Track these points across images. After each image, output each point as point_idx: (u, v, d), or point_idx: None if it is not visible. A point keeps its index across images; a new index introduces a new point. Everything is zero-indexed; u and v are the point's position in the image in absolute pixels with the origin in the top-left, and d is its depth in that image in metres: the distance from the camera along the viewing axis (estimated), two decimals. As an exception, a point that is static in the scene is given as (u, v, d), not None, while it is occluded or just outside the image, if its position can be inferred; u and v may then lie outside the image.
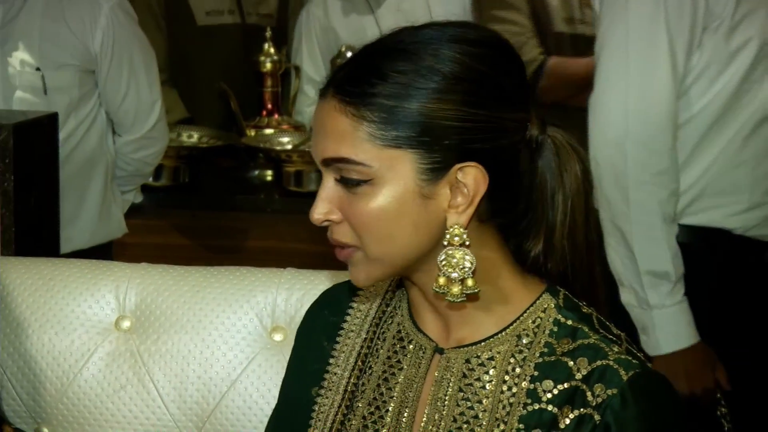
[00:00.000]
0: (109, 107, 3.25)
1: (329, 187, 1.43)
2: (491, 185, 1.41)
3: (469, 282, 1.41)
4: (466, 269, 1.41)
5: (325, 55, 4.09)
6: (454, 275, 1.41)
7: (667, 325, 2.48)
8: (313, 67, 4.14)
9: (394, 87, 1.39)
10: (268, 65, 4.08)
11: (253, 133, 4.05)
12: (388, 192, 1.40)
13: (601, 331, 1.46)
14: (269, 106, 4.12)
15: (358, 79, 1.41)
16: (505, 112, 1.42)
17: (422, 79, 1.39)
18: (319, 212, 1.43)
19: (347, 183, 1.41)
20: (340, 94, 1.41)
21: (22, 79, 3.08)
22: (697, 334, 2.49)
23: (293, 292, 1.94)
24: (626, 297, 2.49)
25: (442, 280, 1.41)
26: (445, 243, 1.41)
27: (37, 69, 3.10)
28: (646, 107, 2.45)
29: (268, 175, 4.03)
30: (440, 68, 1.39)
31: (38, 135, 2.26)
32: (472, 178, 1.40)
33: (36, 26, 3.12)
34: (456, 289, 1.41)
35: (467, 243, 1.41)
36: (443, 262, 1.41)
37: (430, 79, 1.39)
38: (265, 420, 1.89)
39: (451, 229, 1.41)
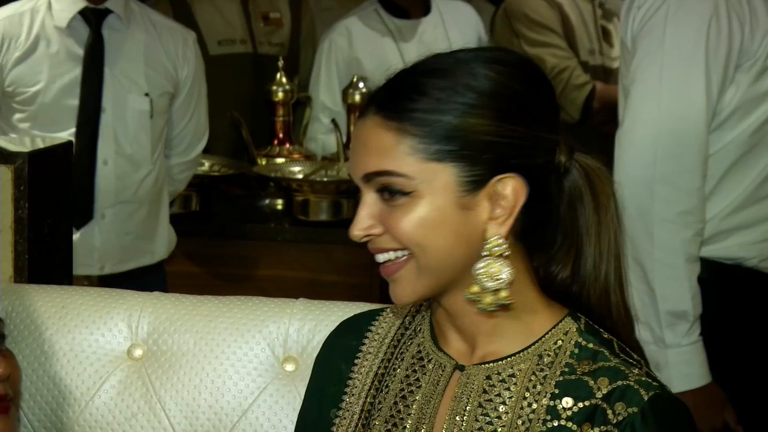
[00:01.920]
0: (173, 130, 3.43)
1: (370, 203, 1.47)
2: (527, 201, 1.45)
3: (503, 293, 1.44)
4: (503, 280, 1.44)
5: (344, 84, 4.11)
6: (490, 284, 1.43)
7: (680, 364, 2.48)
8: (329, 97, 4.15)
9: (433, 102, 1.43)
10: (280, 95, 4.09)
11: (264, 162, 4.07)
12: (429, 203, 1.43)
13: (622, 355, 1.48)
14: (281, 135, 4.13)
15: (398, 96, 1.46)
16: (539, 130, 1.46)
17: (459, 95, 1.43)
18: (360, 228, 1.46)
19: (389, 195, 1.45)
20: (383, 110, 1.45)
21: (132, 104, 3.19)
22: (710, 375, 2.49)
23: (305, 323, 1.94)
24: (643, 334, 2.48)
25: (475, 288, 1.44)
26: (485, 253, 1.44)
27: (146, 95, 3.25)
28: (676, 145, 2.44)
29: (279, 204, 4.04)
30: (476, 85, 1.44)
31: (53, 163, 2.27)
32: (511, 188, 1.44)
33: (141, 53, 3.29)
34: (489, 299, 1.44)
35: (506, 254, 1.44)
36: (481, 271, 1.43)
37: (466, 95, 1.43)
38: (276, 450, 1.90)
39: (492, 240, 1.44)
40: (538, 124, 1.46)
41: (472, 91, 1.44)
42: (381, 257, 1.48)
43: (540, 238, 1.51)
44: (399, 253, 1.46)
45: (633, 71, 2.54)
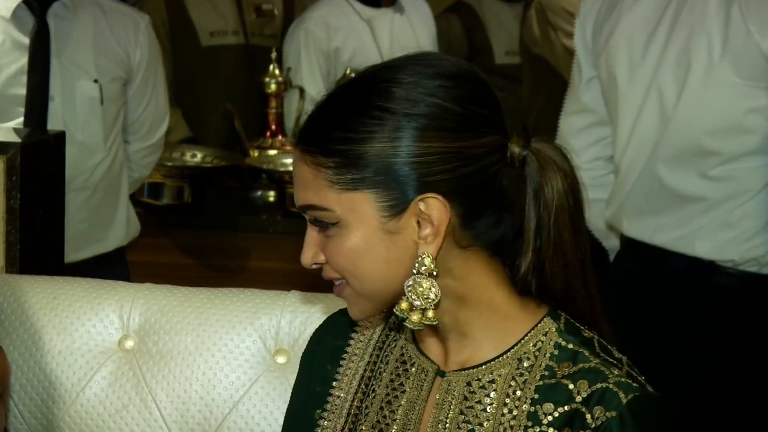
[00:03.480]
0: (131, 115, 3.38)
1: (312, 233, 1.47)
2: (462, 212, 1.43)
3: (430, 314, 1.43)
4: (430, 300, 1.43)
5: (324, 74, 4.12)
6: (417, 303, 1.43)
7: None
8: (314, 87, 4.15)
9: (344, 131, 1.42)
10: (273, 86, 4.09)
11: (256, 153, 4.06)
12: (355, 232, 1.43)
13: (602, 354, 1.46)
14: (273, 126, 4.12)
15: (313, 128, 1.45)
16: (466, 140, 1.42)
17: (372, 121, 1.41)
18: (307, 256, 1.48)
19: (320, 227, 1.45)
20: (301, 143, 1.45)
21: (81, 91, 3.17)
22: None
23: (297, 315, 1.94)
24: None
25: (404, 305, 1.43)
26: (415, 271, 1.43)
27: (95, 81, 3.21)
28: None
29: (271, 195, 4.04)
30: (390, 107, 1.41)
31: (45, 153, 2.27)
32: (434, 208, 1.42)
33: (89, 39, 3.24)
34: (416, 317, 1.43)
35: (435, 273, 1.43)
36: (409, 289, 1.43)
37: (380, 119, 1.41)
38: (267, 442, 1.90)
39: (420, 259, 1.42)
40: (463, 134, 1.42)
41: (386, 113, 1.41)
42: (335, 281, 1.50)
43: (498, 237, 1.47)
44: (341, 280, 1.48)
45: None
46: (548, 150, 1.47)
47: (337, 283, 1.49)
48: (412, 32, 4.20)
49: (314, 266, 1.48)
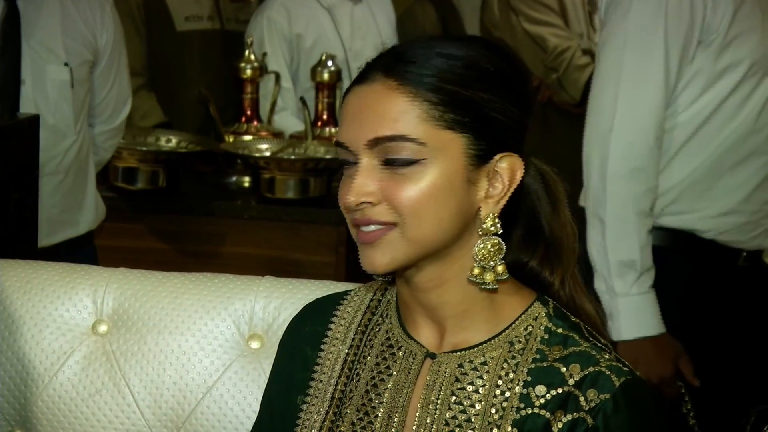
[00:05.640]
0: (95, 98, 3.38)
1: (369, 170, 1.44)
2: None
3: (500, 268, 1.46)
4: (500, 256, 1.46)
5: (288, 60, 4.13)
6: (491, 263, 1.45)
7: (630, 312, 2.58)
8: (280, 74, 4.16)
9: (446, 73, 1.44)
10: (249, 72, 4.07)
11: (231, 139, 4.05)
12: (439, 172, 1.43)
13: (591, 339, 1.50)
14: (248, 112, 4.11)
15: (411, 63, 1.44)
16: (528, 117, 1.49)
17: (471, 70, 1.45)
18: (358, 193, 1.43)
19: (396, 163, 1.43)
20: (395, 75, 1.44)
21: (52, 74, 3.16)
22: (662, 326, 2.58)
23: (271, 300, 1.94)
24: (598, 284, 2.60)
25: (477, 271, 1.45)
26: (481, 232, 1.45)
27: (66, 64, 3.20)
28: (633, 108, 2.56)
29: (246, 181, 4.03)
30: (485, 64, 1.46)
31: (19, 137, 2.26)
32: (509, 167, 1.46)
33: (58, 22, 3.23)
34: (489, 276, 1.46)
35: (501, 231, 1.46)
36: (480, 250, 1.45)
37: (491, 75, 1.45)
38: (241, 427, 1.90)
39: (488, 218, 1.45)
40: (527, 111, 1.49)
41: (482, 68, 1.45)
42: (367, 228, 1.45)
43: (508, 225, 1.51)
44: (387, 226, 1.44)
45: (601, 41, 2.67)
46: (544, 166, 1.56)
47: (375, 227, 1.44)
48: (372, 20, 4.23)
49: (358, 207, 1.44)
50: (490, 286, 1.46)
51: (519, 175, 1.46)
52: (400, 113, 1.42)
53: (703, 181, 2.63)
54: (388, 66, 1.45)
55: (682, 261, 2.66)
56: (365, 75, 1.47)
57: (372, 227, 1.45)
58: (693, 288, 2.68)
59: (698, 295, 2.68)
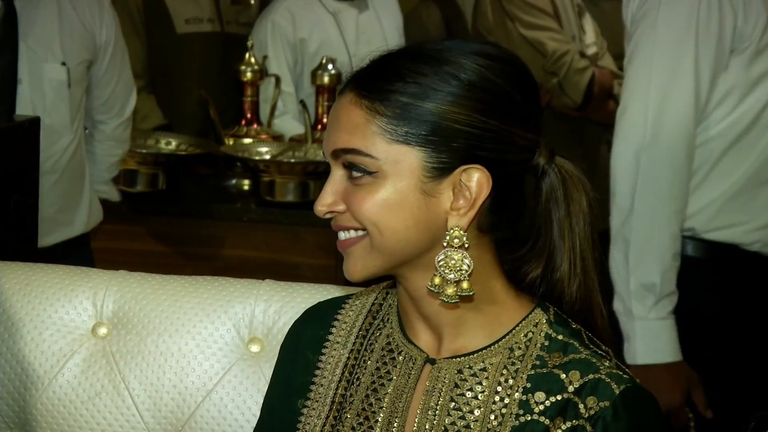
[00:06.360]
0: (101, 95, 3.41)
1: (336, 180, 1.48)
2: (494, 195, 1.46)
3: (464, 284, 1.44)
4: (463, 271, 1.44)
5: (292, 64, 4.13)
6: (451, 276, 1.44)
7: (646, 337, 2.53)
8: (282, 78, 4.16)
9: (411, 86, 1.44)
10: (249, 75, 4.08)
11: (231, 141, 4.05)
12: (392, 185, 1.44)
13: (591, 346, 1.49)
14: (248, 115, 4.12)
15: (376, 76, 1.46)
16: (516, 128, 1.46)
17: (440, 82, 1.44)
18: (324, 203, 1.48)
19: (353, 174, 1.46)
20: (358, 88, 1.46)
21: (49, 74, 3.17)
22: (678, 354, 2.54)
23: (271, 304, 1.94)
24: (616, 304, 2.56)
25: (437, 280, 1.45)
26: (445, 244, 1.44)
27: (63, 64, 3.21)
28: (664, 125, 2.52)
29: (245, 184, 4.04)
30: (458, 74, 1.44)
31: (20, 139, 2.26)
32: (475, 180, 1.44)
33: (55, 22, 3.24)
34: (451, 290, 1.44)
35: (466, 245, 1.45)
36: (441, 263, 1.44)
37: (448, 83, 1.44)
38: (240, 431, 1.90)
39: (452, 231, 1.44)
40: (515, 121, 1.46)
41: (453, 79, 1.44)
42: (342, 234, 1.49)
43: (510, 235, 1.51)
44: (359, 232, 1.47)
45: (629, 54, 2.62)
46: (570, 167, 1.52)
47: (347, 235, 1.48)
48: (378, 25, 4.22)
49: (327, 215, 1.48)
50: (450, 300, 1.45)
51: (485, 189, 1.44)
52: (355, 127, 1.45)
53: (744, 192, 2.58)
54: (356, 78, 1.48)
55: (722, 273, 2.62)
56: (342, 87, 1.50)
57: (344, 234, 1.49)
58: (730, 300, 2.63)
59: (735, 307, 2.63)
